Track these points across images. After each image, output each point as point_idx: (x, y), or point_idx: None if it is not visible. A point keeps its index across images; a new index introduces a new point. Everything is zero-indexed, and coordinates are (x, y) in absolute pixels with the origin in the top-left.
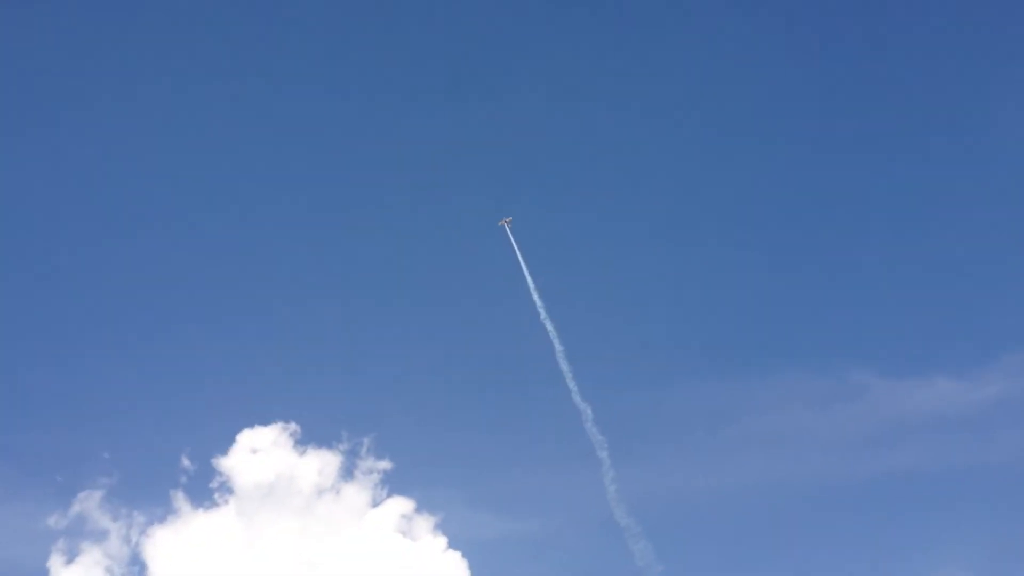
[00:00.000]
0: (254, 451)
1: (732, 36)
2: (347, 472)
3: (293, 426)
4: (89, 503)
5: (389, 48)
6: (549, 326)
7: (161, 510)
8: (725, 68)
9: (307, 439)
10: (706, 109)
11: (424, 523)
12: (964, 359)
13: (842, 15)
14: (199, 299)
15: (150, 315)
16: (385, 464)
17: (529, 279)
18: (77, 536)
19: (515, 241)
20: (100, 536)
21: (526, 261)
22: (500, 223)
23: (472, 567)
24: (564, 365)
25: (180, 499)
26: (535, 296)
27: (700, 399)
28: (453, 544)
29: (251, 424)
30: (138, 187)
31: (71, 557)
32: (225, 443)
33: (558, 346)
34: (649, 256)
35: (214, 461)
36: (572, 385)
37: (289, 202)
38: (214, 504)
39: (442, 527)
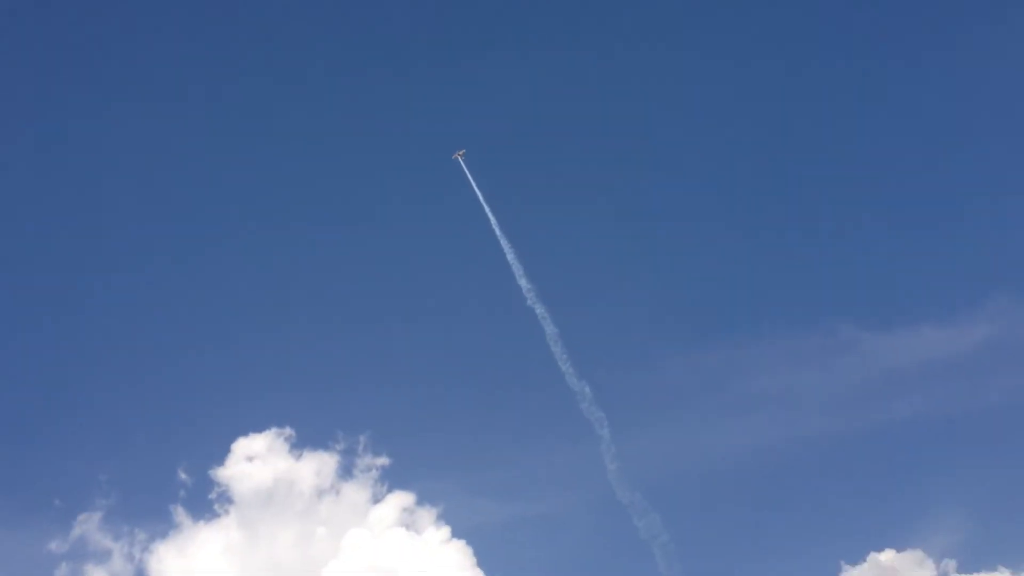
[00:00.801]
0: (250, 459)
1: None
2: (345, 471)
3: (288, 431)
4: (89, 525)
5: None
6: (539, 310)
7: (163, 526)
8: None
9: (303, 442)
10: (676, 74)
11: (426, 515)
12: (949, 306)
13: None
14: (184, 310)
15: (136, 329)
16: (383, 460)
17: (492, 219)
18: (80, 559)
19: (470, 175)
20: (103, 557)
21: (501, 230)
22: (454, 156)
23: (477, 554)
24: (556, 348)
25: (180, 513)
26: (502, 242)
27: (691, 368)
28: (456, 534)
29: (245, 432)
30: (119, 200)
31: None
32: (221, 453)
33: (549, 329)
34: (624, 231)
35: (211, 472)
36: (565, 367)
37: (264, 204)
38: (215, 515)
39: (444, 517)
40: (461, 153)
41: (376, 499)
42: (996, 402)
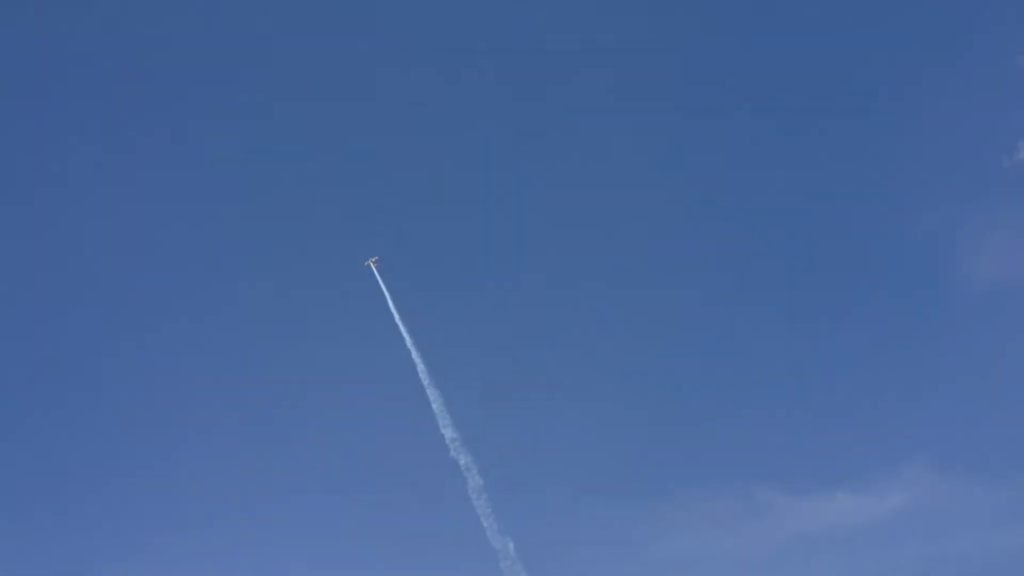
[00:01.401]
0: None
1: None
2: None
3: None
4: None
5: None
6: (463, 460)
7: None
8: None
9: None
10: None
11: None
12: (865, 472)
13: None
14: None
15: None
16: None
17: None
18: None
19: (383, 283)
20: None
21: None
22: (367, 263)
23: None
24: (479, 501)
25: None
26: (424, 382)
27: (611, 527)
28: None
29: None
30: None
31: None
32: None
33: (473, 481)
34: (553, 395)
35: None
36: (488, 522)
37: None
38: None
39: None
40: (374, 260)
41: None
42: (911, 570)
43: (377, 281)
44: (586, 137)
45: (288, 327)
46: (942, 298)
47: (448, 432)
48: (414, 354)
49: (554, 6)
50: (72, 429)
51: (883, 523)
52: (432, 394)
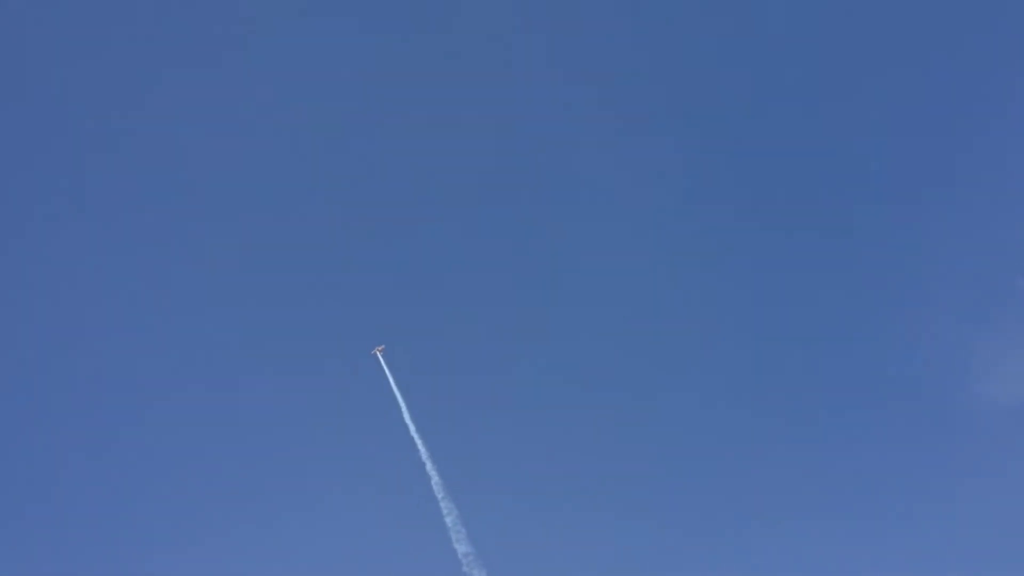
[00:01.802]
0: None
1: None
2: None
3: None
4: None
5: None
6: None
7: None
8: None
9: None
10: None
11: None
12: None
13: None
14: None
15: None
16: None
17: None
18: None
19: (389, 372)
20: None
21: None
22: (373, 352)
23: None
24: None
25: None
26: (438, 495)
27: None
28: None
29: None
30: None
31: None
32: None
33: None
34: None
35: None
36: None
37: None
38: None
39: None
40: (381, 349)
41: None
42: None
43: (384, 370)
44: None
45: (293, 424)
46: (955, 418)
47: (462, 547)
48: (428, 465)
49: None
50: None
51: None
52: (446, 507)
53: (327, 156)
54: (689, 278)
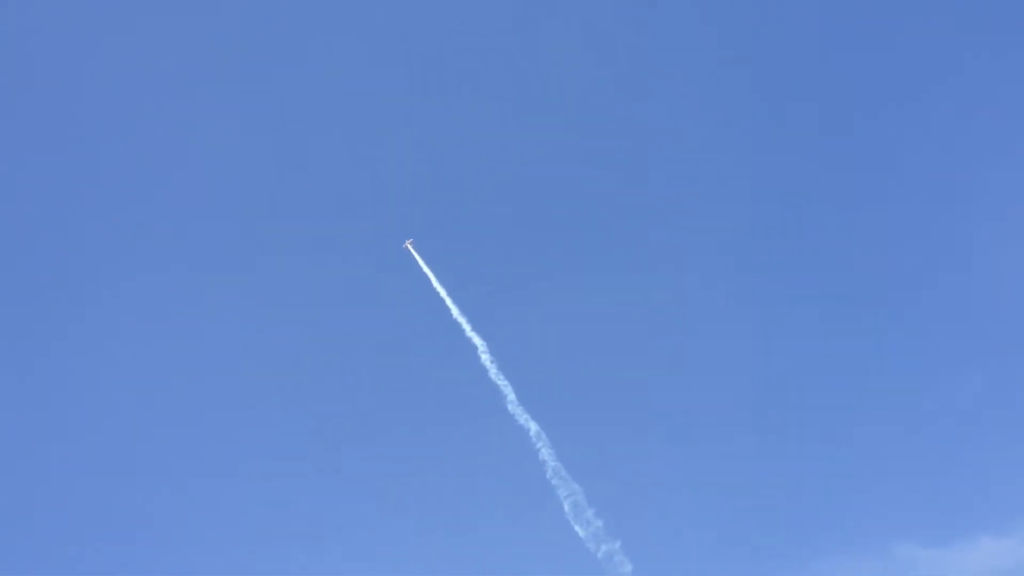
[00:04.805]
0: None
1: None
2: None
3: None
4: None
5: None
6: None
7: None
8: None
9: None
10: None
11: None
12: (1003, 515)
13: None
14: None
15: None
16: None
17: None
18: None
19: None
20: None
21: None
22: (404, 245)
23: None
24: None
25: None
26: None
27: None
28: None
29: None
30: None
31: None
32: None
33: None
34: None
35: None
36: None
37: None
38: None
39: None
40: (410, 242)
41: None
42: None
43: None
44: None
45: None
46: None
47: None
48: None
49: None
50: None
51: None
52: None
53: None
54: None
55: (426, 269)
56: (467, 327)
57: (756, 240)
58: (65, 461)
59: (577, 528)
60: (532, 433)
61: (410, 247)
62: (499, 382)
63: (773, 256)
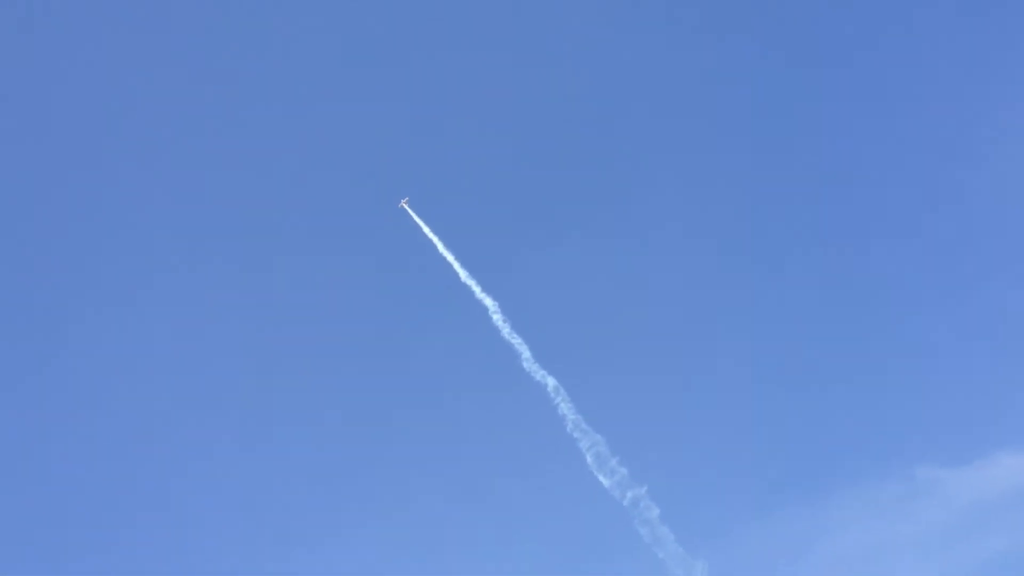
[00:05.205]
0: None
1: None
2: None
3: None
4: None
5: None
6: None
7: None
8: None
9: None
10: None
11: None
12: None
13: None
14: None
15: None
16: None
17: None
18: None
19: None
20: None
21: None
22: (400, 205)
23: None
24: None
25: None
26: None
27: (776, 532)
28: None
29: None
30: None
31: None
32: None
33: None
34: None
35: None
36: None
37: None
38: None
39: None
40: (405, 200)
41: None
42: None
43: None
44: None
45: None
46: None
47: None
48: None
49: None
50: None
51: None
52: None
53: None
54: None
55: (429, 232)
56: (477, 289)
57: (771, 187)
58: (65, 461)
59: (601, 478)
60: (550, 388)
61: (406, 206)
62: (513, 340)
63: (787, 202)
